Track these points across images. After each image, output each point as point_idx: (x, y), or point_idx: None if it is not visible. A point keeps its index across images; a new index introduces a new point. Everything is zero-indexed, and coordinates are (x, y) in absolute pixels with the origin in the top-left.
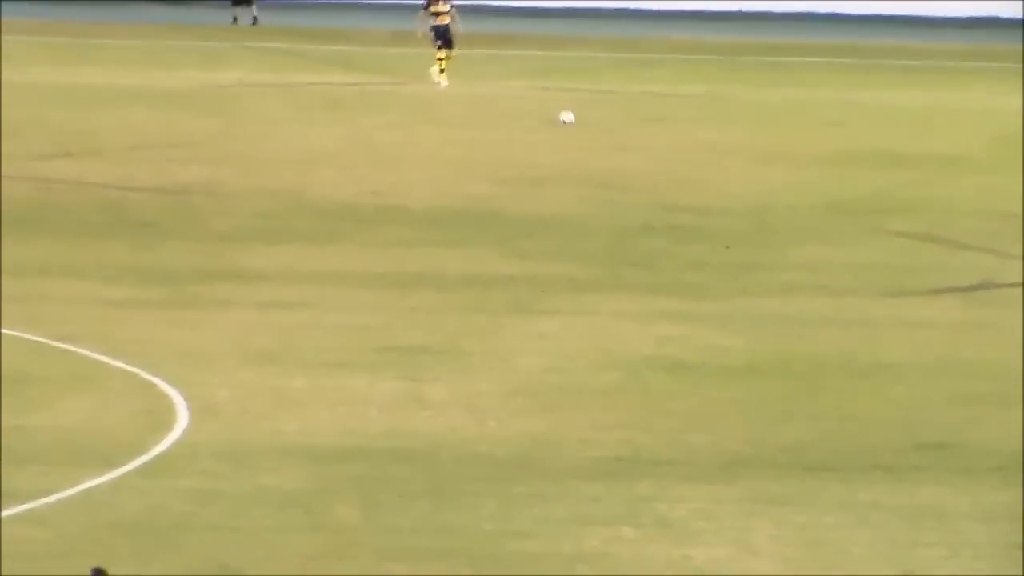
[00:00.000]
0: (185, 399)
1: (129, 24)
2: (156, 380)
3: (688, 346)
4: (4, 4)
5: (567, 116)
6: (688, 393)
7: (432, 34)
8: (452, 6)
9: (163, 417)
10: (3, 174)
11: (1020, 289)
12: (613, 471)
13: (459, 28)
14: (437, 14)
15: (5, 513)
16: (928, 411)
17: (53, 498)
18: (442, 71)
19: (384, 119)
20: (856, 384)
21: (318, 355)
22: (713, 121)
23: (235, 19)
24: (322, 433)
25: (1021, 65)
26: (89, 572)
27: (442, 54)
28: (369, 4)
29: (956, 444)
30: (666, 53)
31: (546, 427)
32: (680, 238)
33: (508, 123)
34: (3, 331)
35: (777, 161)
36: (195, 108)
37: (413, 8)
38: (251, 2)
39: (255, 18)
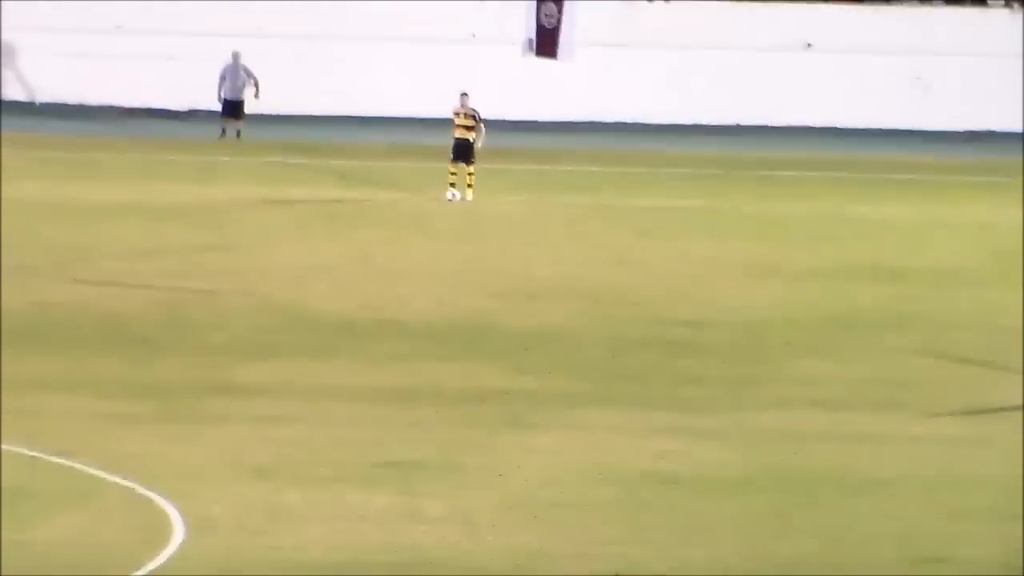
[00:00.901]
0: (180, 513)
1: (122, 137)
2: (152, 494)
3: (683, 460)
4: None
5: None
6: (684, 507)
7: (452, 147)
8: (480, 120)
9: (158, 531)
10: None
11: (1019, 403)
12: None
13: (480, 142)
14: (459, 127)
15: None
16: (925, 526)
17: None
18: (453, 185)
19: (380, 233)
20: (853, 499)
21: (313, 469)
22: (708, 235)
23: (223, 131)
24: (317, 548)
25: (1020, 178)
26: None
27: (454, 168)
28: (363, 117)
29: (953, 559)
30: (662, 167)
31: (541, 541)
32: (675, 352)
33: (503, 237)
34: (2, 447)
35: (773, 275)
36: (191, 222)
37: (407, 121)
38: (239, 116)
39: (239, 132)
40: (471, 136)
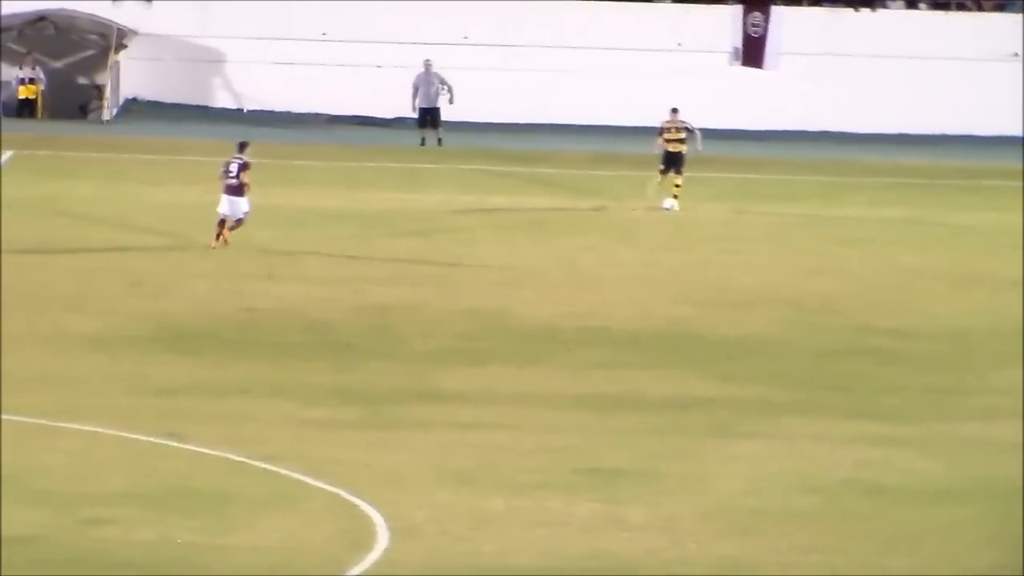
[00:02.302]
0: (384, 519)
1: (328, 145)
2: (356, 500)
3: (887, 470)
4: (211, 127)
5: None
6: (887, 517)
7: (662, 157)
8: (691, 130)
9: (363, 537)
10: (206, 294)
11: None
12: None
13: (697, 148)
14: (669, 140)
15: None
16: None
17: None
18: (675, 196)
19: (584, 241)
20: None
21: (516, 476)
22: (911, 244)
23: (423, 141)
24: (520, 554)
25: None
26: None
27: (659, 179)
28: (566, 125)
29: None
30: (864, 176)
31: (744, 550)
32: (879, 361)
33: (707, 245)
34: (207, 451)
35: (976, 284)
36: (396, 229)
37: (611, 129)
38: (437, 124)
39: (439, 139)
40: (683, 148)
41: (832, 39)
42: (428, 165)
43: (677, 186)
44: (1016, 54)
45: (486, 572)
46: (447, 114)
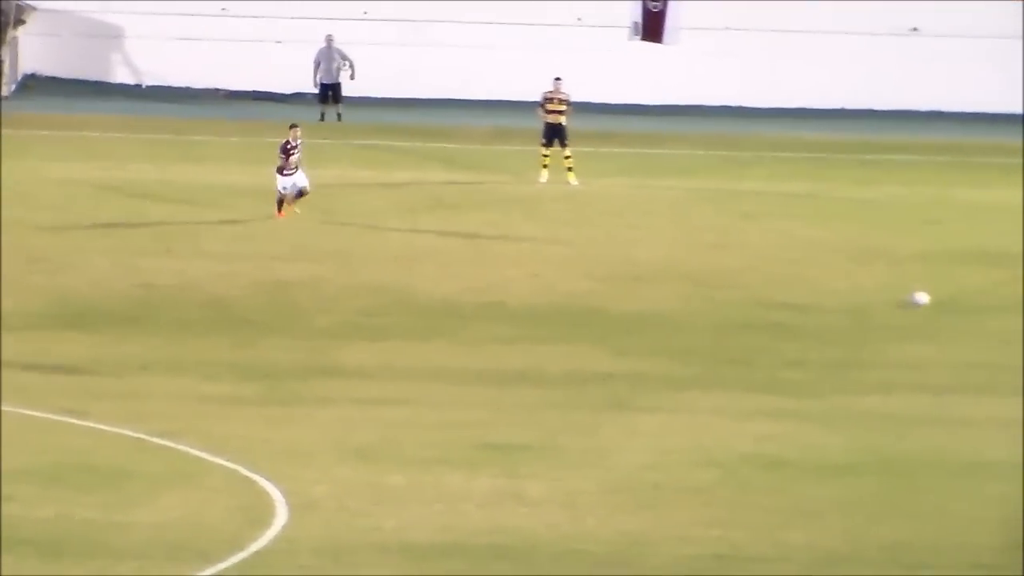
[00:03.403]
0: (284, 495)
1: (227, 120)
2: (255, 476)
3: (786, 444)
4: (110, 103)
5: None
6: (786, 490)
7: (544, 131)
8: (569, 104)
9: (262, 513)
10: (105, 270)
11: None
12: (711, 568)
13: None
14: (551, 112)
15: None
16: None
17: None
18: (545, 167)
19: (485, 216)
20: (955, 482)
21: (417, 451)
22: (812, 218)
23: (323, 116)
24: (420, 529)
25: None
26: None
27: (547, 151)
28: (469, 100)
29: None
30: (764, 151)
31: (644, 524)
32: (778, 335)
33: (607, 221)
34: (106, 428)
35: (877, 258)
36: (296, 204)
37: (512, 104)
38: (338, 100)
39: (339, 115)
40: (563, 120)
41: (732, 14)
42: (328, 141)
43: (567, 157)
44: (915, 28)
45: (385, 547)
46: (348, 90)
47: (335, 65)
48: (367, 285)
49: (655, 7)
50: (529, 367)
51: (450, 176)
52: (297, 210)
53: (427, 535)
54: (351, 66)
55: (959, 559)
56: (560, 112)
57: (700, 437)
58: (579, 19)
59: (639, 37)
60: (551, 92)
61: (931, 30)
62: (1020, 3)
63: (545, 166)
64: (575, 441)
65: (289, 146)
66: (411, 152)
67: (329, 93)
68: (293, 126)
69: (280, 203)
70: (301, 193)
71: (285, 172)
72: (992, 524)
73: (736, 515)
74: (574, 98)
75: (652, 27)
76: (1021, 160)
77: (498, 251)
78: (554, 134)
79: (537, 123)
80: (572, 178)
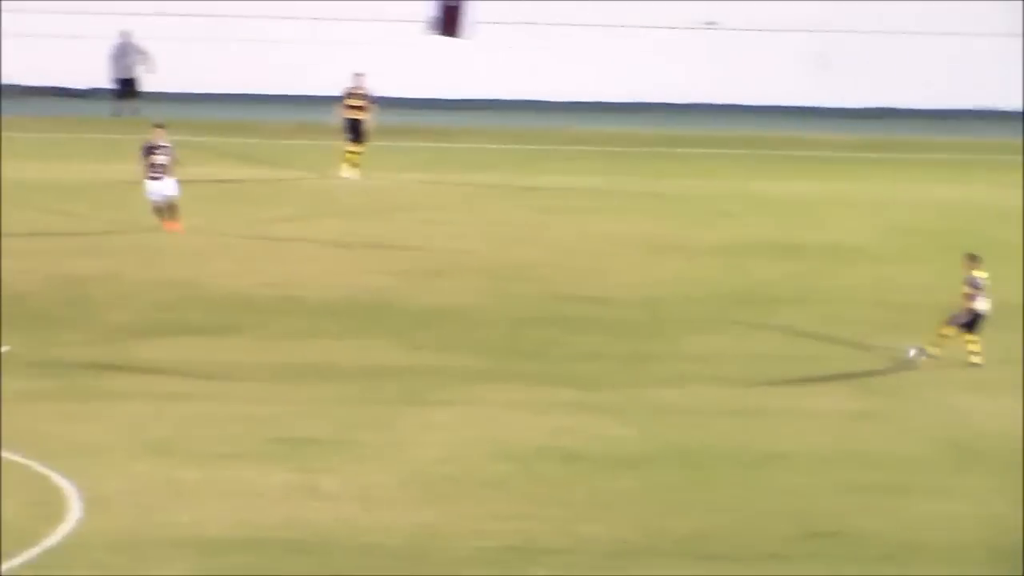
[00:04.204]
0: (77, 490)
1: (24, 116)
2: (48, 472)
3: (581, 436)
4: None
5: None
6: (581, 483)
7: (346, 126)
8: (372, 100)
9: (55, 509)
10: None
11: (914, 380)
12: (505, 561)
13: (372, 123)
14: (351, 107)
15: None
16: (819, 500)
17: None
18: (354, 166)
19: (281, 211)
20: (748, 474)
21: (211, 446)
22: (607, 212)
23: (119, 111)
24: (215, 524)
25: (917, 155)
26: None
27: (352, 148)
28: (267, 95)
29: (846, 532)
30: (561, 144)
31: (439, 517)
32: (574, 328)
33: (402, 215)
34: None
35: (671, 252)
36: (90, 201)
37: (311, 99)
38: (135, 95)
39: (137, 110)
40: (362, 116)
41: (530, 8)
42: (125, 136)
43: (357, 153)
44: (711, 23)
45: (180, 542)
46: (146, 85)
47: (131, 60)
48: (162, 280)
49: (452, 1)
50: (325, 361)
51: (249, 171)
52: (180, 228)
53: (222, 530)
54: (148, 60)
55: (753, 549)
56: (360, 108)
57: (496, 430)
58: (377, 15)
59: (437, 32)
60: (352, 87)
61: (727, 23)
62: None
63: (354, 164)
64: (370, 435)
65: (152, 147)
66: (208, 147)
67: (125, 88)
68: (158, 126)
69: (159, 211)
70: (169, 203)
71: (150, 176)
72: (786, 515)
73: (532, 508)
74: (373, 93)
75: (449, 22)
76: (813, 153)
77: (295, 246)
78: (355, 129)
79: (337, 118)
80: (355, 172)
